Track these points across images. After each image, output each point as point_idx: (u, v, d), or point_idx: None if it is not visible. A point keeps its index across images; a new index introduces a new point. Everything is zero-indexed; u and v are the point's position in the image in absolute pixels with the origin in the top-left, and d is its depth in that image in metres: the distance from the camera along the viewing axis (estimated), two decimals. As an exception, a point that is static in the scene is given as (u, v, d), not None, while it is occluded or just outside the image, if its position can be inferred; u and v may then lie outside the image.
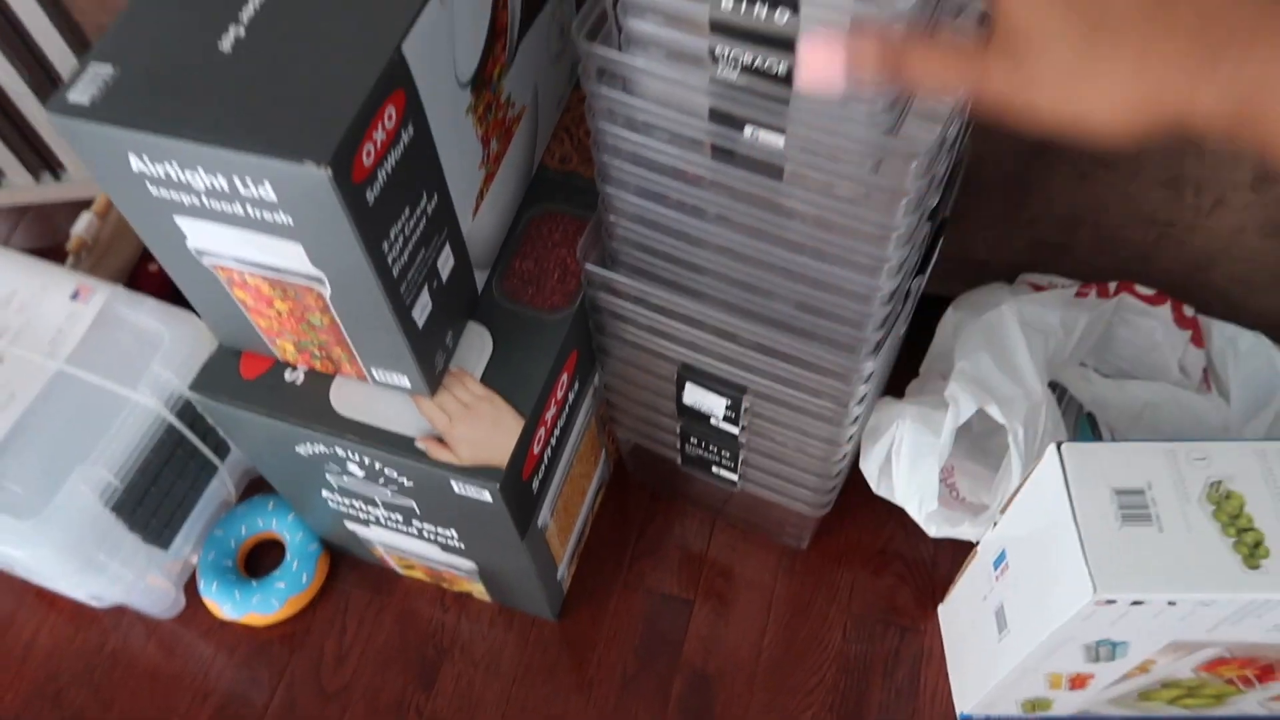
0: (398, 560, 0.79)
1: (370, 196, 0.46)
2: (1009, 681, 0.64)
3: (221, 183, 0.45)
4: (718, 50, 0.46)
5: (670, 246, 0.58)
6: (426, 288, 0.55)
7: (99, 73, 0.46)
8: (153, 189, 0.48)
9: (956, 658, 0.76)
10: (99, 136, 0.45)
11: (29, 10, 0.86)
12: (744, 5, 0.43)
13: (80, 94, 0.45)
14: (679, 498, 0.86)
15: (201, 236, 0.50)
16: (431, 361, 0.58)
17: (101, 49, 0.47)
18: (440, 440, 0.58)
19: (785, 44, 0.44)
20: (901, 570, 0.81)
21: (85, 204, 0.92)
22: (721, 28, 0.45)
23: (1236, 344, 0.76)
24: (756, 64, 0.45)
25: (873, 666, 0.77)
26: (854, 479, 0.75)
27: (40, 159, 1.01)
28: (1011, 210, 0.76)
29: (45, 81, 0.93)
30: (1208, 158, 0.67)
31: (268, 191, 0.45)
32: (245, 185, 0.45)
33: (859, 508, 0.80)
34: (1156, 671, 0.62)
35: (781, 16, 0.43)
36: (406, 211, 0.50)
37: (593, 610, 0.80)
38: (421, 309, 0.55)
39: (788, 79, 0.45)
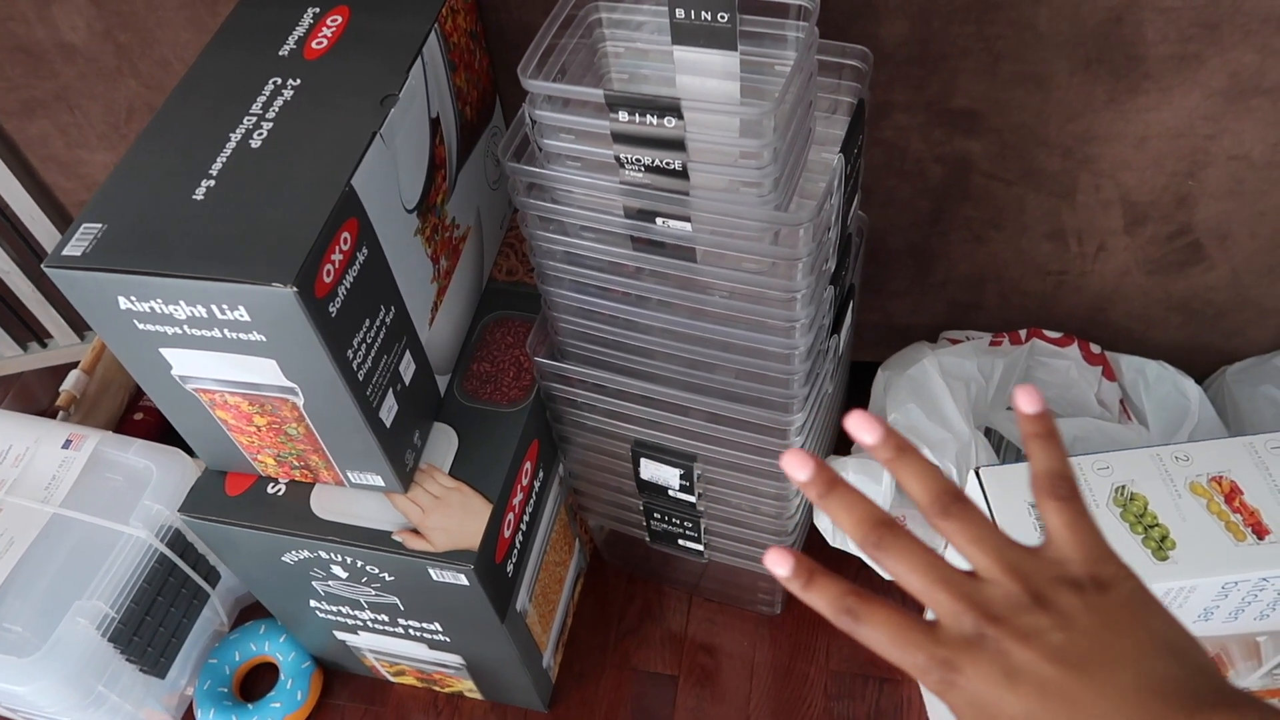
0: (388, 667, 0.81)
1: (333, 309, 0.52)
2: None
3: (201, 311, 0.52)
4: (622, 156, 0.54)
5: (608, 333, 0.65)
6: (391, 390, 0.61)
7: (89, 230, 0.53)
8: (140, 325, 0.54)
9: (934, 701, 0.78)
10: (91, 282, 0.52)
11: (15, 194, 0.94)
12: (638, 115, 0.51)
13: (74, 249, 0.52)
14: (655, 578, 0.89)
15: (184, 364, 0.56)
16: (402, 459, 0.63)
17: (91, 210, 0.54)
18: (416, 532, 0.63)
19: (677, 144, 0.52)
20: (873, 624, 0.84)
21: (71, 368, 0.98)
22: (622, 137, 0.53)
23: (1145, 374, 0.82)
24: (656, 163, 0.53)
25: (857, 721, 0.80)
26: (815, 539, 0.79)
27: (29, 330, 1.08)
28: (921, 276, 0.84)
29: (31, 258, 1.01)
30: (1080, 208, 0.75)
31: (242, 314, 0.51)
32: (222, 311, 0.51)
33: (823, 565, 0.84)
34: (1111, 681, 0.65)
35: (670, 122, 0.51)
36: (367, 322, 0.56)
37: (582, 695, 0.82)
38: (388, 410, 0.61)
39: (684, 173, 0.53)
